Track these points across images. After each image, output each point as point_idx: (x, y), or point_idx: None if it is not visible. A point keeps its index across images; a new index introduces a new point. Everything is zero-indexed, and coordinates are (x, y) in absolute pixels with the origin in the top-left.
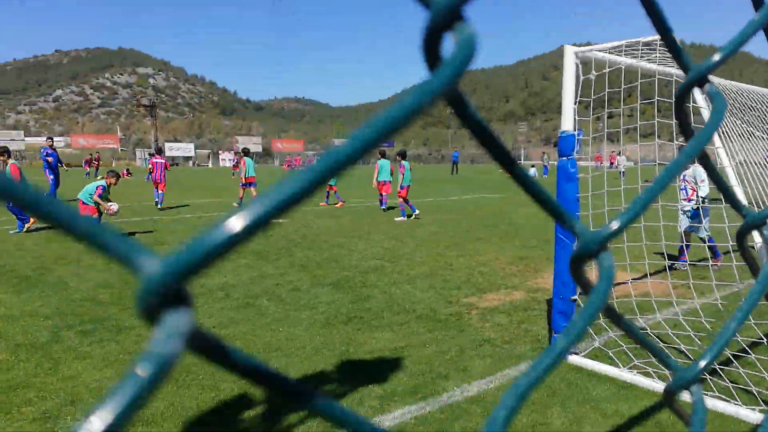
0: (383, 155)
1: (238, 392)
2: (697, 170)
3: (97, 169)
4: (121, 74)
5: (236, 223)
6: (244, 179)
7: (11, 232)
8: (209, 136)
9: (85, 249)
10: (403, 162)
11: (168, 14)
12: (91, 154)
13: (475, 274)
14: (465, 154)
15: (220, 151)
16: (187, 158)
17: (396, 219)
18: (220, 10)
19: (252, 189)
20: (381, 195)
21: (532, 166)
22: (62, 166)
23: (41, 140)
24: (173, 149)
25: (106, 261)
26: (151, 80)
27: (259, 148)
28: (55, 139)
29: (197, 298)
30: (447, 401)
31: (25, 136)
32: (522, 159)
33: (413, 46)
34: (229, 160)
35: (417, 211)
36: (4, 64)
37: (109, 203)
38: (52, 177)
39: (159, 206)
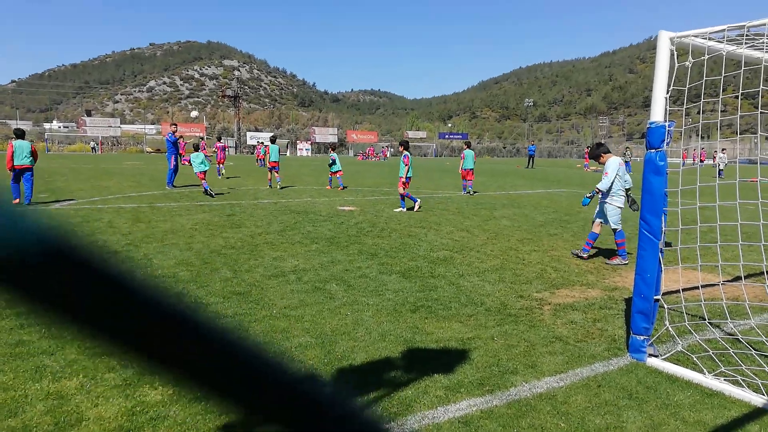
0: (468, 146)
1: (305, 372)
2: None
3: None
4: (209, 66)
5: None
6: (269, 164)
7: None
8: (288, 126)
9: (175, 230)
10: (406, 153)
11: (254, 10)
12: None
13: (548, 269)
14: (541, 147)
15: (297, 141)
16: (262, 143)
17: (395, 210)
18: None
19: (275, 173)
20: (465, 181)
21: None
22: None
23: (135, 127)
24: (254, 138)
25: (187, 242)
26: (236, 72)
27: (335, 138)
28: (147, 126)
29: (270, 280)
30: (514, 396)
31: (121, 123)
32: None
33: (486, 40)
34: (306, 149)
35: (418, 201)
36: (104, 57)
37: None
38: (174, 162)
39: (220, 176)
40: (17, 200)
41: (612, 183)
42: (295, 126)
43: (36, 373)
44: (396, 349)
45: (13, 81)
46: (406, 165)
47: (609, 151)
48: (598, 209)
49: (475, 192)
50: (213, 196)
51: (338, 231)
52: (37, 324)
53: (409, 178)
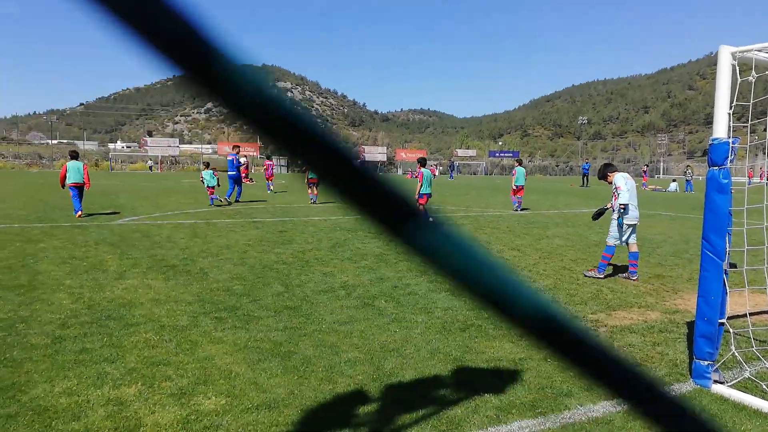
0: (520, 163)
1: (354, 387)
2: None
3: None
4: None
5: None
6: (308, 180)
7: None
8: None
9: (230, 245)
10: (422, 169)
11: (308, 33)
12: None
13: (604, 290)
14: (596, 165)
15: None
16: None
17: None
18: (356, 29)
19: (315, 189)
20: (515, 197)
21: (674, 180)
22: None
23: (192, 147)
24: None
25: (240, 257)
26: (289, 94)
27: (384, 157)
28: (203, 147)
29: (320, 295)
30: (568, 419)
31: (180, 143)
32: (662, 173)
33: (538, 58)
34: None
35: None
36: (165, 80)
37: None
38: (234, 182)
39: (270, 191)
40: (79, 213)
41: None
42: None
43: (98, 379)
44: (445, 367)
45: (81, 104)
46: (420, 181)
47: (616, 169)
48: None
49: (524, 209)
50: (220, 206)
51: (387, 248)
52: (100, 334)
53: (426, 194)
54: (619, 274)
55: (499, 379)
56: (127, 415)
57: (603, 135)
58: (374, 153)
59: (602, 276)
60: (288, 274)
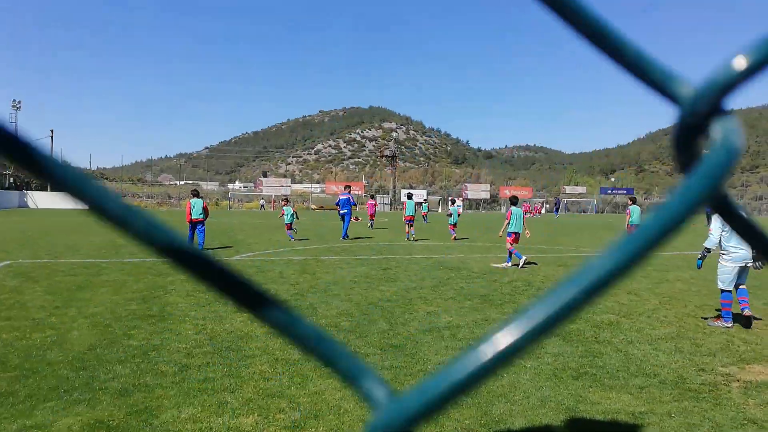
0: (634, 201)
1: None
2: None
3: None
4: (369, 129)
5: (477, 359)
6: (405, 218)
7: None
8: (440, 183)
9: (336, 281)
10: (512, 207)
11: (413, 74)
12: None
13: (735, 340)
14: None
15: (449, 197)
16: (419, 203)
17: (494, 264)
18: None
19: (411, 226)
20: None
21: None
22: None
23: (302, 186)
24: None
25: (347, 293)
26: (394, 134)
27: (487, 195)
28: (312, 186)
29: (425, 335)
30: None
31: (291, 183)
32: None
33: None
34: (458, 205)
35: (524, 259)
36: (280, 124)
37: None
38: (345, 219)
39: (371, 228)
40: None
41: (719, 239)
42: (447, 183)
43: (219, 408)
44: (557, 416)
45: (206, 147)
46: (507, 219)
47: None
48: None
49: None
50: (293, 240)
51: (491, 288)
52: (220, 364)
53: (514, 232)
54: (757, 321)
55: None
56: None
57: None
58: (477, 191)
59: (730, 325)
60: (392, 312)
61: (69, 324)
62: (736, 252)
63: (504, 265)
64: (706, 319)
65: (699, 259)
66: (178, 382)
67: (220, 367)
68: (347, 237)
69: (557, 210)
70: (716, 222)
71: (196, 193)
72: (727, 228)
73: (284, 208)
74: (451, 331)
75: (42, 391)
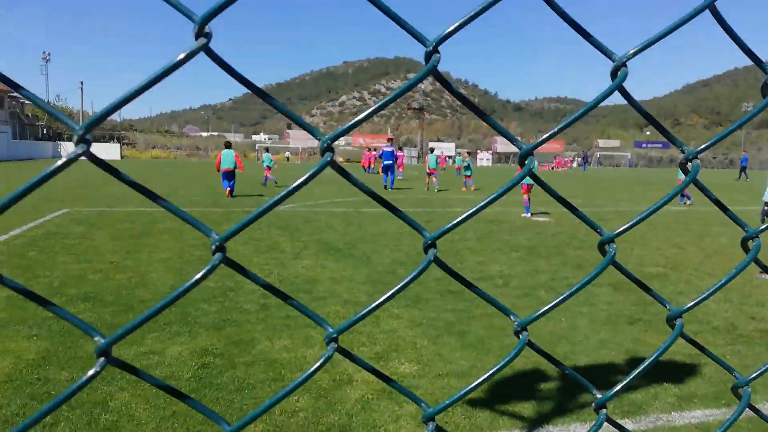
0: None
1: (531, 366)
2: None
3: (368, 166)
4: (395, 80)
5: None
6: (428, 170)
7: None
8: (468, 137)
9: (383, 233)
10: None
11: (439, 23)
12: (369, 149)
13: None
14: (762, 158)
15: (478, 150)
16: (448, 156)
17: (533, 218)
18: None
19: (434, 178)
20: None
21: None
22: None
23: None
24: (437, 149)
25: (396, 243)
26: (420, 85)
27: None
28: (339, 140)
29: (479, 282)
30: (752, 413)
31: None
32: None
33: (692, 38)
34: (486, 159)
35: (529, 213)
36: (303, 75)
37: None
38: (389, 172)
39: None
40: (228, 190)
41: None
42: (476, 136)
43: (306, 341)
44: (618, 356)
45: (230, 99)
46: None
47: None
48: None
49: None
50: (274, 185)
51: (537, 241)
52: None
53: (527, 185)
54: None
55: (677, 371)
56: (339, 371)
57: None
58: (507, 144)
59: None
60: (444, 260)
61: (145, 267)
62: None
63: (524, 215)
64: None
65: (762, 214)
66: (263, 318)
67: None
68: (392, 188)
69: (585, 164)
70: None
71: (228, 145)
72: None
73: (264, 155)
74: (504, 279)
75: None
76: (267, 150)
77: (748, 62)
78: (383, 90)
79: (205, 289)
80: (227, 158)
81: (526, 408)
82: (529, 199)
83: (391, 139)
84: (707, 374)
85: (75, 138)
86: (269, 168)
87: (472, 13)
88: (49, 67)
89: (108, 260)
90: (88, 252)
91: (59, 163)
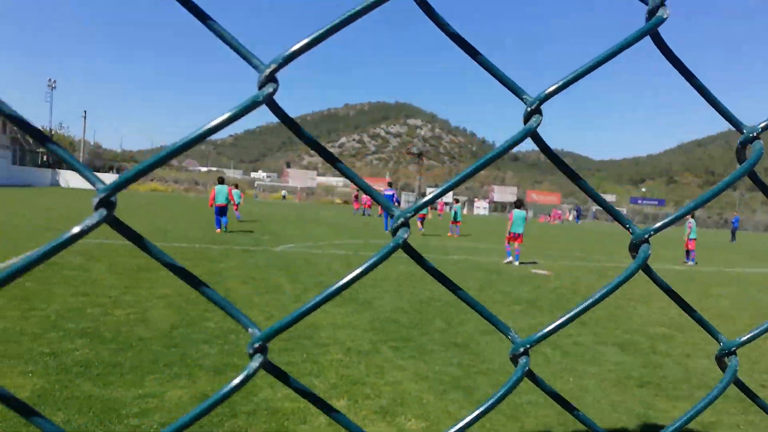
0: (692, 215)
1: (542, 428)
2: None
3: (369, 207)
4: (394, 125)
5: None
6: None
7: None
8: (466, 185)
9: (383, 278)
10: (514, 210)
11: (441, 72)
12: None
13: None
14: (755, 220)
15: (475, 199)
16: (446, 203)
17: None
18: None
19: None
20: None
21: None
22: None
23: (328, 179)
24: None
25: (397, 290)
26: (419, 131)
27: (514, 198)
28: (336, 179)
29: (483, 336)
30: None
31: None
32: None
33: (688, 96)
34: (484, 207)
35: (510, 259)
36: (304, 115)
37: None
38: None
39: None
40: (219, 230)
41: None
42: (473, 184)
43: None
44: (631, 421)
45: (230, 135)
46: (510, 220)
47: None
48: None
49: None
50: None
51: (537, 294)
52: (298, 351)
53: (514, 233)
54: None
55: None
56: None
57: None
58: (504, 193)
59: None
60: (447, 312)
61: (144, 303)
62: None
63: (507, 260)
64: None
65: None
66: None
67: (299, 353)
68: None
69: (578, 218)
70: None
71: (221, 180)
72: None
73: (234, 191)
74: None
75: (144, 364)
76: (236, 186)
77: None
78: (382, 134)
79: (205, 330)
80: (221, 193)
81: None
82: (516, 247)
83: (391, 183)
84: None
85: (96, 200)
86: (237, 205)
87: (579, 72)
88: (54, 95)
89: (107, 294)
90: (87, 284)
91: (75, 230)
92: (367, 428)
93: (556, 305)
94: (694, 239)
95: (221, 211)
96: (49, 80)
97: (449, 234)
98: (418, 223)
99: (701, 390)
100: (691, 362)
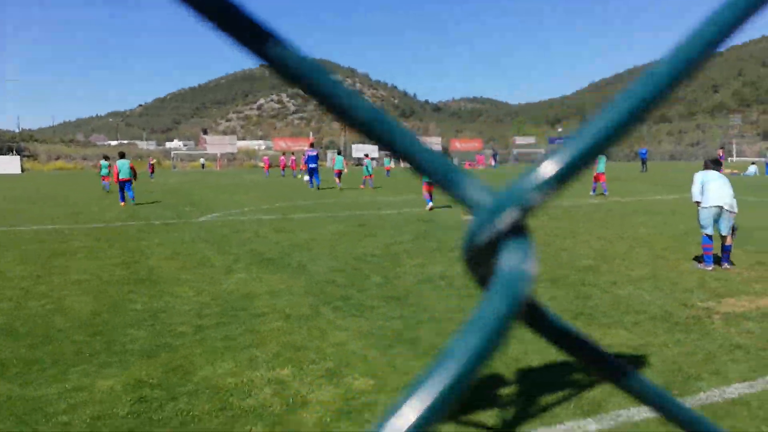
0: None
1: (489, 372)
2: None
3: (293, 169)
4: None
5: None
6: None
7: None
8: None
9: (315, 239)
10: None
11: (354, 25)
12: (284, 153)
13: (707, 278)
14: (662, 150)
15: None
16: (373, 159)
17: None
18: (400, 15)
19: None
20: (595, 183)
21: (752, 163)
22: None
23: (249, 143)
24: (358, 150)
25: (331, 250)
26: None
27: (440, 147)
28: (258, 142)
29: (421, 285)
30: (705, 401)
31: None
32: (734, 155)
33: (595, 39)
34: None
35: (431, 204)
36: (218, 78)
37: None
38: (314, 174)
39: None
40: (123, 203)
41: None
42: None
43: (251, 362)
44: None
45: (139, 105)
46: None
47: (707, 167)
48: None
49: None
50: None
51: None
52: (235, 323)
53: (429, 182)
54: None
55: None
56: (291, 393)
57: (668, 118)
58: (428, 144)
59: (711, 268)
60: (382, 266)
61: (59, 291)
62: (712, 201)
63: (428, 206)
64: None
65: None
66: (200, 340)
67: (236, 325)
68: (318, 187)
69: (495, 161)
70: (697, 177)
71: (122, 155)
72: (705, 179)
73: (102, 162)
74: (447, 281)
75: (66, 356)
76: (105, 158)
77: (646, 61)
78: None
79: (131, 312)
80: (123, 168)
81: (508, 411)
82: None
83: (313, 144)
84: (654, 365)
85: (500, 225)
86: (105, 176)
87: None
88: None
89: (18, 286)
90: None
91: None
92: (315, 393)
93: None
94: (603, 172)
95: (124, 185)
96: None
97: (361, 186)
98: (336, 179)
99: (629, 315)
100: (616, 289)
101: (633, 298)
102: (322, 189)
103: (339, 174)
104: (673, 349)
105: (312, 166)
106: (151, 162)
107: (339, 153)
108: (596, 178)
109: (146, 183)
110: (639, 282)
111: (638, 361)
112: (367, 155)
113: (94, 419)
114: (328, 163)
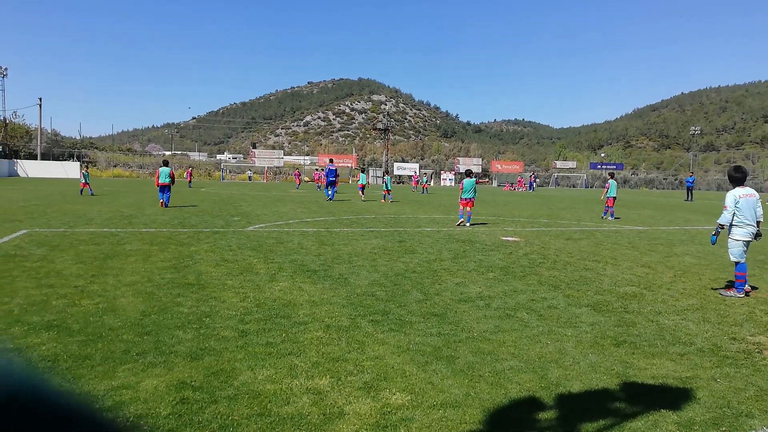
0: (612, 176)
1: (526, 394)
2: None
3: (316, 182)
4: (359, 101)
5: None
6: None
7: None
8: (432, 157)
9: (356, 252)
10: (464, 179)
11: (402, 49)
12: (316, 169)
13: (756, 311)
14: (708, 179)
15: (441, 171)
16: (411, 177)
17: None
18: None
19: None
20: (608, 208)
21: None
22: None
23: (294, 158)
24: (400, 168)
25: (372, 264)
26: (383, 106)
27: (479, 169)
28: (303, 158)
29: (461, 304)
30: None
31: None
32: None
33: (642, 63)
34: (449, 179)
35: (462, 220)
36: (268, 95)
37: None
38: (331, 188)
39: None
40: (161, 202)
41: (732, 216)
42: (438, 156)
43: (291, 370)
44: (611, 381)
45: (193, 118)
46: (461, 188)
47: (737, 182)
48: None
49: (617, 218)
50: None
51: (510, 261)
52: (277, 330)
53: (465, 198)
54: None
55: (672, 396)
56: (328, 404)
57: (716, 146)
58: (469, 164)
59: (742, 295)
60: (422, 283)
61: (113, 291)
62: (746, 228)
63: (459, 222)
64: (716, 289)
65: (713, 235)
66: (242, 346)
67: (278, 332)
68: (332, 199)
69: (531, 186)
70: (730, 199)
71: (165, 163)
72: (742, 205)
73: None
74: (485, 300)
75: (115, 354)
76: (87, 167)
77: (693, 88)
78: (347, 110)
79: (178, 315)
80: (163, 174)
81: None
82: (467, 211)
83: (332, 160)
84: (702, 399)
85: None
86: (86, 183)
87: None
88: (6, 83)
89: (72, 285)
90: (51, 276)
91: None
92: (352, 405)
93: (528, 270)
94: (613, 197)
95: (163, 189)
96: (0, 68)
97: (381, 201)
98: (360, 192)
99: (675, 346)
100: (662, 319)
101: (679, 328)
102: (339, 201)
103: (362, 188)
104: (722, 384)
105: (331, 179)
106: (189, 171)
107: (363, 171)
108: (608, 203)
109: (195, 193)
110: (685, 312)
111: (686, 394)
112: (387, 171)
113: (137, 417)
114: (372, 180)
